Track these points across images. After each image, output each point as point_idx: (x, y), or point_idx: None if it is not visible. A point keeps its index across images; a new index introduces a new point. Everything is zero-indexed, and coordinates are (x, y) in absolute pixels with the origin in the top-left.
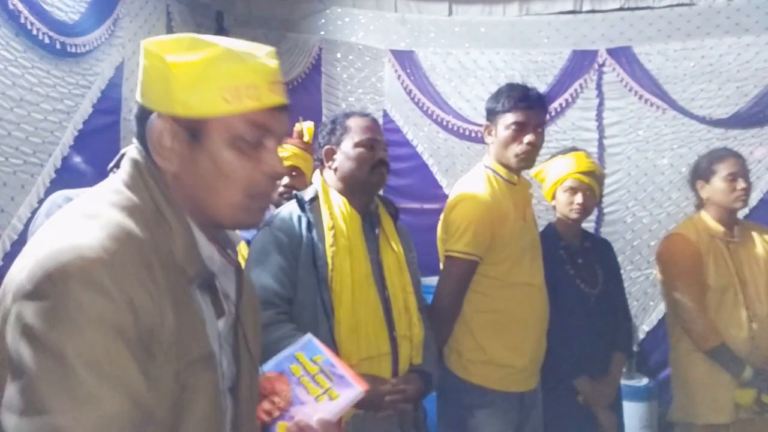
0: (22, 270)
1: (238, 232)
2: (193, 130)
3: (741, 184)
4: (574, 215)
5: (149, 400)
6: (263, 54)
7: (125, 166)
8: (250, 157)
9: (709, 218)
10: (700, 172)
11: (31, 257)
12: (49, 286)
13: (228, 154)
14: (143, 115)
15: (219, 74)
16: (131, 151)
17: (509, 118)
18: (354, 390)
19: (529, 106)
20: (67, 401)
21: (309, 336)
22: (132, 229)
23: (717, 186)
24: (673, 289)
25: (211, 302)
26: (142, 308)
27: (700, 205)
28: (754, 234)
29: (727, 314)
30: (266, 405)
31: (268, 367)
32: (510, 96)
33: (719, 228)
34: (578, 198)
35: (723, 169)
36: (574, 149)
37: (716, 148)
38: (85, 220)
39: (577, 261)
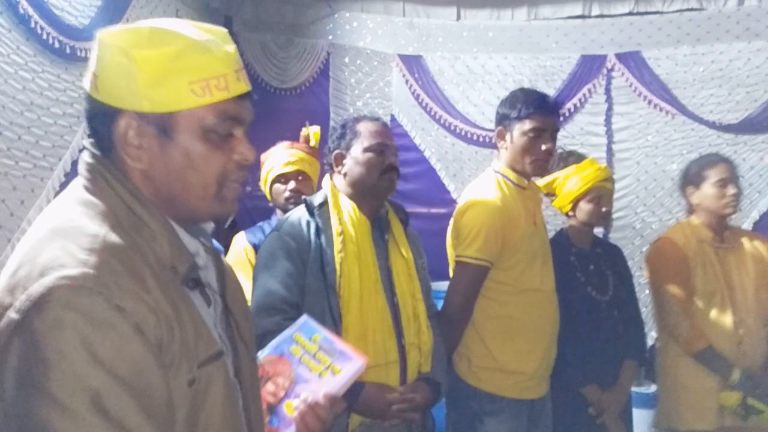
0: (4, 293)
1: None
2: (162, 125)
3: (731, 190)
4: (603, 222)
5: None
6: (221, 39)
7: (83, 172)
8: (221, 147)
9: (698, 223)
10: (690, 178)
11: (12, 280)
12: (36, 320)
13: (200, 147)
14: (98, 111)
15: (187, 67)
16: (84, 155)
17: (527, 125)
18: (355, 363)
19: (546, 113)
20: None
21: (305, 317)
22: (111, 239)
23: (707, 192)
24: (659, 293)
25: (200, 295)
26: (145, 324)
27: (690, 210)
28: (744, 240)
29: (714, 319)
30: (270, 387)
31: (267, 351)
32: (528, 102)
33: (708, 233)
34: (605, 206)
35: (713, 175)
36: (571, 153)
37: (707, 154)
38: (60, 238)
39: (588, 267)
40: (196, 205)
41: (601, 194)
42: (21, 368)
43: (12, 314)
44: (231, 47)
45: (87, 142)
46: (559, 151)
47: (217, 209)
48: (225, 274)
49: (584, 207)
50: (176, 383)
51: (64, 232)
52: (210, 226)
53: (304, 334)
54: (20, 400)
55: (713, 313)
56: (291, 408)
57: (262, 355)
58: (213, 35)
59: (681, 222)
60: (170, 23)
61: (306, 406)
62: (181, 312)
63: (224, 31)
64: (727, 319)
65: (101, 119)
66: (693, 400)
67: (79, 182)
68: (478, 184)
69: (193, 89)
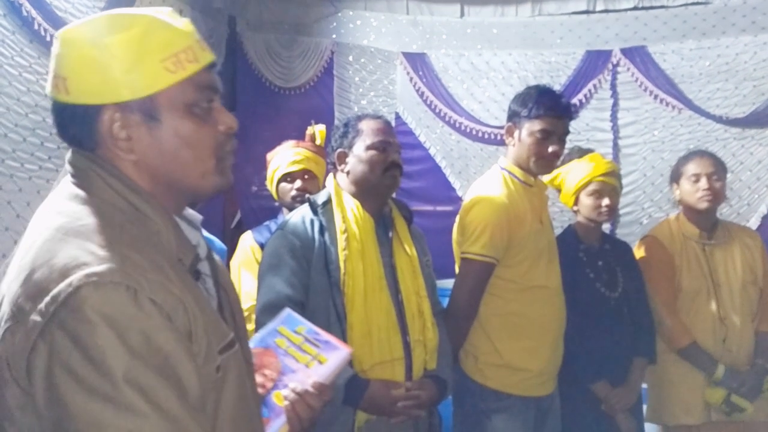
0: (22, 299)
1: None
2: (146, 110)
3: (703, 185)
4: (603, 218)
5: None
6: (171, 14)
7: (73, 173)
8: (207, 120)
9: (684, 220)
10: (672, 175)
11: (29, 284)
12: (68, 319)
13: (188, 123)
14: (74, 114)
15: (156, 45)
16: (69, 156)
17: (536, 125)
18: (341, 352)
19: (557, 115)
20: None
21: (287, 310)
22: (126, 234)
23: (684, 187)
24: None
25: (202, 286)
26: (175, 315)
27: (677, 206)
28: (734, 236)
29: (700, 316)
30: (258, 379)
31: (253, 344)
32: (540, 103)
33: (694, 230)
34: (605, 201)
35: (688, 170)
36: (580, 150)
37: (691, 151)
38: (73, 237)
39: (597, 264)
40: (197, 183)
41: (600, 188)
42: (55, 369)
43: (36, 318)
44: (185, 20)
45: (69, 147)
46: (567, 151)
47: (220, 182)
48: (216, 266)
49: (584, 201)
50: (206, 370)
51: (76, 232)
52: (199, 218)
53: (288, 326)
54: (58, 400)
55: (698, 310)
56: (280, 398)
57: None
58: (165, 13)
59: (669, 218)
60: (121, 9)
61: (295, 395)
62: (199, 301)
63: (169, 8)
64: (712, 316)
65: (79, 121)
66: (680, 395)
67: (70, 183)
68: (484, 180)
69: (166, 66)
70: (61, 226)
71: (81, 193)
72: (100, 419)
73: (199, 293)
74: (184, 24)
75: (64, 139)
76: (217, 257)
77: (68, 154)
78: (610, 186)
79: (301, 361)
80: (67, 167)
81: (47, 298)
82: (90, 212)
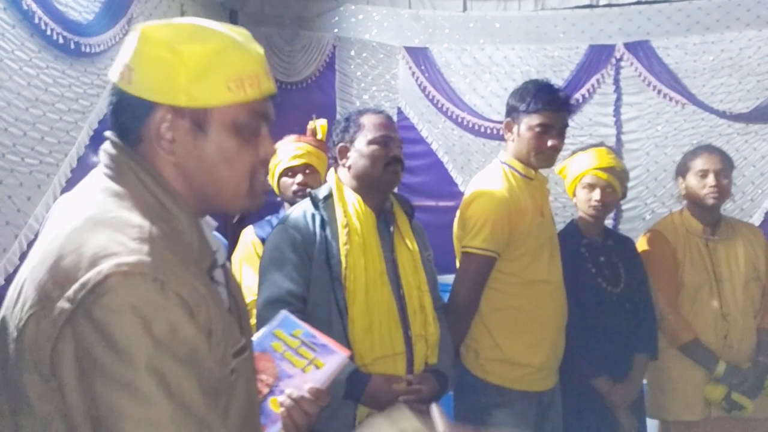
0: (50, 285)
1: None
2: (196, 120)
3: (711, 181)
4: (591, 212)
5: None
6: (249, 40)
7: (107, 163)
8: (250, 143)
9: (688, 215)
10: (678, 169)
11: (57, 271)
12: (95, 307)
13: (232, 142)
14: (129, 104)
15: (225, 64)
16: (107, 146)
17: (534, 120)
18: (338, 356)
19: (556, 109)
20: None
21: (284, 312)
22: (156, 230)
23: (690, 182)
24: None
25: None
26: (198, 311)
27: (682, 201)
28: (738, 232)
29: (702, 312)
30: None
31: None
32: (537, 97)
33: (698, 225)
34: (596, 194)
35: (696, 165)
36: (601, 145)
37: (699, 145)
38: (103, 228)
39: (599, 259)
40: (229, 198)
41: (594, 182)
42: (82, 356)
43: (64, 304)
44: (261, 48)
45: (110, 134)
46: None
47: (249, 203)
48: (229, 274)
49: (578, 194)
50: (221, 373)
51: (107, 223)
52: (214, 224)
53: (285, 329)
54: (84, 387)
55: (700, 306)
56: (276, 404)
57: None
58: (242, 35)
59: (673, 213)
60: (205, 22)
61: (291, 401)
62: (218, 303)
63: (248, 32)
64: (714, 312)
65: (132, 112)
66: (680, 392)
67: (102, 173)
68: (485, 174)
69: (229, 86)
70: (91, 216)
71: (113, 185)
72: (120, 407)
73: (217, 296)
74: (260, 51)
75: (112, 126)
76: (229, 265)
77: (105, 144)
78: (604, 181)
79: (298, 365)
80: (102, 156)
81: (76, 285)
82: (121, 205)
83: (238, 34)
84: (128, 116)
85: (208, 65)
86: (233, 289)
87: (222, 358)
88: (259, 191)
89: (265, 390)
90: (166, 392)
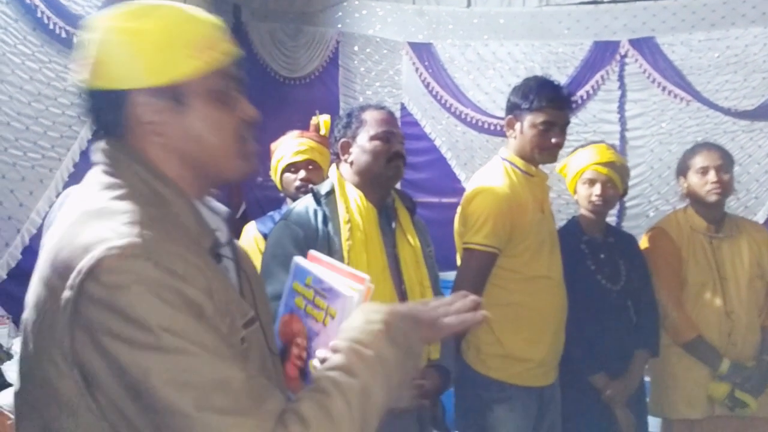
0: (54, 278)
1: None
2: (174, 96)
3: (712, 177)
4: (592, 207)
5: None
6: (200, 10)
7: (101, 158)
8: (230, 107)
9: (692, 213)
10: (679, 167)
11: (56, 264)
12: (93, 288)
13: (212, 110)
14: (104, 99)
15: (184, 35)
16: (99, 143)
17: (537, 117)
18: (343, 299)
19: (559, 107)
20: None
21: (295, 261)
22: (147, 214)
23: (691, 180)
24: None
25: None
26: (196, 281)
27: (685, 199)
28: (742, 230)
29: (706, 310)
30: (295, 350)
31: (280, 312)
32: (540, 95)
33: (702, 223)
34: (596, 189)
35: (696, 163)
36: (601, 142)
37: (697, 143)
38: (95, 219)
39: (599, 256)
40: (224, 164)
41: (594, 177)
42: (98, 336)
43: (67, 293)
44: (213, 17)
45: (97, 132)
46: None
47: (243, 167)
48: (238, 252)
49: (579, 189)
50: (232, 341)
51: (98, 213)
52: (225, 210)
53: (299, 280)
54: (109, 363)
55: (704, 303)
56: (312, 368)
57: (278, 316)
58: (192, 6)
59: (677, 210)
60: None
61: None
62: (220, 279)
63: (199, 6)
64: (718, 310)
65: (108, 106)
66: (684, 389)
67: (98, 169)
68: (486, 171)
69: (193, 54)
70: (85, 211)
71: (105, 178)
72: (152, 367)
73: (219, 271)
74: (209, 16)
75: (95, 124)
76: (239, 245)
77: (97, 142)
78: (605, 176)
79: (319, 319)
80: (96, 155)
81: (73, 273)
82: (112, 195)
83: (188, 5)
84: (105, 111)
85: (166, 39)
86: (246, 267)
87: (231, 327)
88: (249, 152)
89: (304, 354)
90: (191, 341)
